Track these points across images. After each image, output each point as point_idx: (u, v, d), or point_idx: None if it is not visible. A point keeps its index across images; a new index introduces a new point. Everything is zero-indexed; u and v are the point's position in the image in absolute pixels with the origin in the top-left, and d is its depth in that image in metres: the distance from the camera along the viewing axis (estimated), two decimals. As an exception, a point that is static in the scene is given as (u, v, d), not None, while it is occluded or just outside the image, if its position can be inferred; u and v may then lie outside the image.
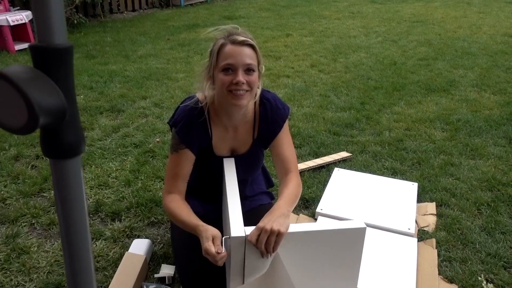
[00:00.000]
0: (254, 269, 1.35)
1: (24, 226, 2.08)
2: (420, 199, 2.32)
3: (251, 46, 1.43)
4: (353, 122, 3.27)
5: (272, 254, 1.32)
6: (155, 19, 7.24)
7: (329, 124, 3.24)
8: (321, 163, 2.64)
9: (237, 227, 1.33)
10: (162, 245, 1.98)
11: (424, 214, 2.18)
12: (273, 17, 7.49)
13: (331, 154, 2.78)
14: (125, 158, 2.73)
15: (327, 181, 2.43)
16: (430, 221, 2.12)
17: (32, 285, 1.72)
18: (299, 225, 1.38)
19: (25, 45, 5.19)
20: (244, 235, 1.30)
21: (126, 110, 3.47)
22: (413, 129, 3.17)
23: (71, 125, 0.46)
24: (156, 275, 1.77)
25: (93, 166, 2.62)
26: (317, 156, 2.78)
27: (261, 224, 1.31)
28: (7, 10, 5.20)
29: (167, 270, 1.79)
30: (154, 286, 1.68)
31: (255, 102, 1.60)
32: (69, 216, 0.49)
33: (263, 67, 1.52)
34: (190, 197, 1.78)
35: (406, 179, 2.49)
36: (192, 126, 1.56)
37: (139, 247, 1.87)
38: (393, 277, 1.75)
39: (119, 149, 2.84)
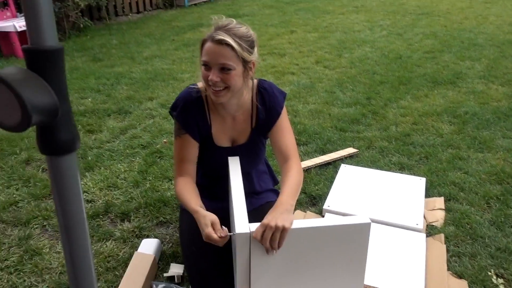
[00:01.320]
0: (261, 265, 1.36)
1: (36, 228, 2.11)
2: (428, 194, 2.31)
3: (230, 46, 1.43)
4: (359, 118, 3.27)
5: (277, 250, 1.33)
6: (159, 20, 7.27)
7: (335, 120, 3.24)
8: (327, 159, 2.65)
9: (242, 223, 1.34)
10: (171, 244, 2.00)
11: (433, 209, 2.17)
12: (277, 14, 7.48)
13: (337, 150, 2.78)
14: (133, 159, 2.76)
15: (334, 178, 2.44)
16: (439, 216, 2.12)
17: (44, 286, 1.76)
18: (304, 221, 1.38)
19: (32, 50, 5.25)
20: (248, 231, 1.31)
21: (133, 111, 3.50)
22: (420, 123, 3.15)
23: (65, 123, 0.48)
24: (165, 274, 1.79)
25: (102, 168, 2.65)
26: (323, 153, 2.78)
27: (265, 220, 1.32)
28: (14, 16, 5.26)
29: (176, 269, 1.81)
30: (163, 285, 1.70)
31: (252, 92, 1.63)
32: (67, 210, 0.51)
33: (254, 61, 1.52)
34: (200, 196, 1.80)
35: (414, 174, 2.48)
36: (190, 112, 1.60)
37: (148, 246, 1.89)
38: (401, 273, 1.75)
39: (127, 150, 2.87)
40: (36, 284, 1.77)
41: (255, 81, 1.66)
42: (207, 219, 1.40)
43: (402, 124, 3.15)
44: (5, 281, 1.78)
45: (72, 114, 0.49)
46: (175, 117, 1.62)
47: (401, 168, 2.58)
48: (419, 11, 7.14)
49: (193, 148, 1.62)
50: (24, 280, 1.79)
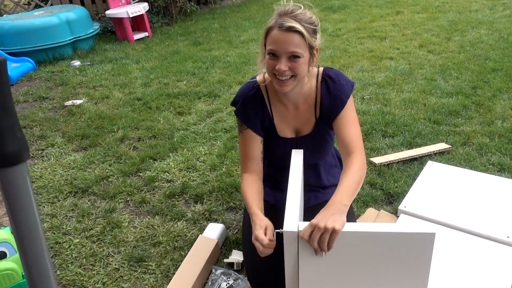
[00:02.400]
0: (309, 265, 1.31)
1: (120, 202, 2.30)
2: (530, 202, 1.99)
3: (299, 33, 1.35)
4: (459, 110, 2.93)
5: (326, 252, 1.26)
6: (261, 3, 7.32)
7: (430, 111, 2.95)
8: (413, 155, 2.43)
9: (291, 221, 1.29)
10: (236, 230, 2.03)
11: (532, 221, 1.87)
12: (384, -7, 7.01)
13: (427, 145, 2.54)
14: (215, 142, 2.84)
15: (418, 176, 2.23)
16: (539, 230, 1.81)
17: (119, 257, 1.91)
18: (358, 225, 1.28)
19: (142, 35, 5.67)
20: (296, 230, 1.26)
21: (222, 95, 3.60)
22: (534, 119, 2.72)
23: (9, 135, 0.48)
24: (225, 260, 1.82)
25: (185, 149, 2.78)
26: (410, 147, 2.55)
27: (314, 221, 1.25)
28: (128, 3, 5.73)
29: (237, 256, 1.83)
30: (222, 270, 1.73)
31: (317, 80, 1.56)
32: (19, 222, 0.52)
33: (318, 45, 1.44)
34: (264, 185, 1.79)
35: (516, 178, 2.16)
36: (249, 106, 1.57)
37: (213, 231, 1.94)
38: (480, 290, 1.54)
39: (210, 133, 2.96)
40: (112, 254, 1.94)
41: (321, 69, 1.57)
42: (263, 222, 1.38)
43: (511, 119, 2.74)
44: (88, 248, 1.98)
45: (18, 126, 0.50)
46: (235, 113, 1.61)
47: (501, 169, 2.26)
48: (556, -15, 6.11)
49: (256, 144, 1.60)
50: (103, 250, 1.97)
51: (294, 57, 1.39)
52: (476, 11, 5.37)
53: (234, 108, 1.66)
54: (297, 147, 1.65)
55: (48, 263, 0.55)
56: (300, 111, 1.60)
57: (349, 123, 1.55)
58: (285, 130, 1.63)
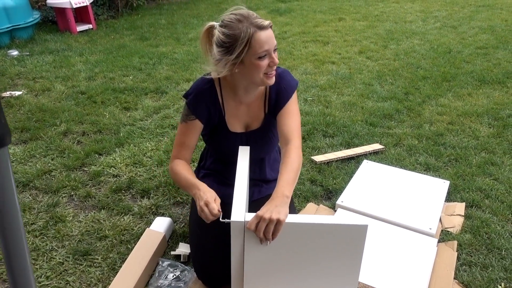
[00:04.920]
0: (254, 254, 1.40)
1: (64, 197, 2.27)
2: (450, 198, 2.23)
3: (271, 27, 1.50)
4: (392, 113, 3.17)
5: (271, 241, 1.36)
6: (209, 2, 7.34)
7: (367, 114, 3.17)
8: (351, 154, 2.61)
9: (238, 212, 1.38)
10: (183, 224, 2.08)
11: (451, 215, 2.10)
12: None
13: (363, 145, 2.73)
14: (162, 138, 2.86)
15: (354, 173, 2.40)
16: (456, 222, 2.04)
17: (63, 251, 1.90)
18: (299, 216, 1.39)
19: (86, 27, 5.50)
20: (243, 220, 1.35)
21: (169, 92, 3.61)
22: (456, 123, 3.01)
23: None
24: (172, 252, 1.87)
25: (132, 144, 2.77)
26: (349, 146, 2.74)
27: (260, 212, 1.34)
28: (71, -7, 5.52)
29: (183, 249, 1.88)
30: (169, 262, 1.78)
31: None
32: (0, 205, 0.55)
33: None
34: (210, 180, 1.86)
35: (439, 176, 2.40)
36: (202, 99, 1.64)
37: (160, 224, 1.98)
38: (405, 276, 1.72)
39: (157, 129, 2.97)
40: (56, 248, 1.91)
41: None
42: (213, 193, 1.49)
43: (437, 123, 3.02)
44: (30, 243, 1.94)
45: (1, 113, 0.53)
46: (186, 104, 1.66)
47: (427, 169, 2.49)
48: (480, 2, 6.71)
49: (196, 135, 1.68)
50: (46, 244, 1.94)
51: (275, 50, 1.52)
52: (410, 22, 5.77)
53: (182, 105, 1.71)
54: (247, 141, 1.74)
55: (26, 250, 0.59)
56: (251, 107, 1.69)
57: (290, 114, 1.65)
58: (235, 125, 1.71)
